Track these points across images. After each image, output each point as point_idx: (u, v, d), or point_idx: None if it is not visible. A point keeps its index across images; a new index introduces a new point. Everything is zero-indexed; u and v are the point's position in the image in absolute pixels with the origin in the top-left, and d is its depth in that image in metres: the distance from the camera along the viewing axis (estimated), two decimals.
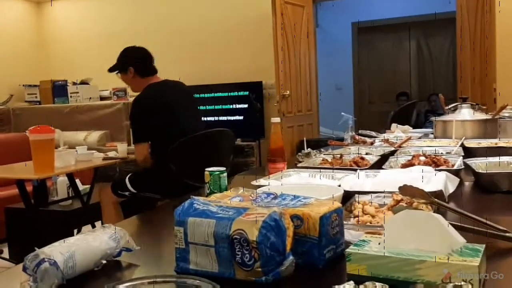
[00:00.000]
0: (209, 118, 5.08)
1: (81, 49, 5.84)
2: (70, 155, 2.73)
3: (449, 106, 2.51)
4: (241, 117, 5.01)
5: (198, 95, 5.10)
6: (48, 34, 6.06)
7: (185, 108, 2.88)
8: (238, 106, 5.03)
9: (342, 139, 2.53)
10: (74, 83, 5.36)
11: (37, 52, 5.98)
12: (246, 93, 4.97)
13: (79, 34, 5.88)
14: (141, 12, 5.55)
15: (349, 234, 0.92)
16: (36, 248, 0.81)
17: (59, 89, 5.34)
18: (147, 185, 2.83)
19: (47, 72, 5.82)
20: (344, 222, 0.95)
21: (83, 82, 5.33)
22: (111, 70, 2.92)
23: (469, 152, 1.86)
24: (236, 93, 5.03)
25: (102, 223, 2.69)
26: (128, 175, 2.85)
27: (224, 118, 5.06)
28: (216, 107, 5.12)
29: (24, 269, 0.81)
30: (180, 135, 2.76)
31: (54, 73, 5.73)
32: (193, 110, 3.02)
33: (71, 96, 5.23)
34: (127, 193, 2.82)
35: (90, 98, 5.21)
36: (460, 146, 1.94)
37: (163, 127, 2.75)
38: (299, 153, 2.01)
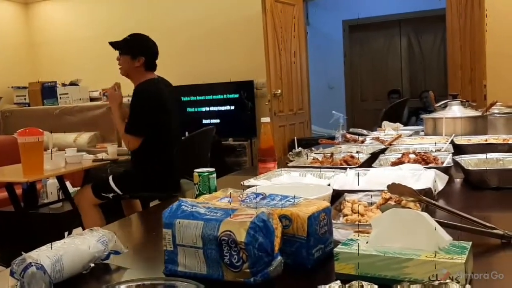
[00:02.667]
0: (200, 114, 5.08)
1: (70, 50, 5.81)
2: (60, 157, 2.72)
3: (439, 103, 2.53)
4: (232, 116, 5.00)
5: (189, 96, 5.13)
6: (36, 35, 6.02)
7: (175, 110, 2.91)
8: (229, 105, 5.03)
9: (333, 138, 2.54)
10: (64, 85, 5.32)
11: (25, 53, 5.94)
12: (238, 92, 4.97)
13: (68, 35, 5.85)
14: (131, 12, 5.53)
15: (338, 233, 0.92)
16: (23, 252, 0.81)
17: (48, 91, 5.31)
18: (132, 184, 2.81)
19: (36, 74, 5.78)
20: (333, 221, 0.96)
21: (72, 83, 5.30)
22: (118, 46, 2.83)
23: (459, 149, 1.86)
24: (227, 92, 5.03)
25: (83, 229, 2.64)
26: (111, 175, 2.80)
27: (216, 117, 5.06)
28: (208, 105, 5.11)
29: (12, 273, 0.80)
30: (170, 136, 2.78)
31: (43, 75, 5.70)
32: (177, 112, 3.03)
33: (60, 98, 5.20)
34: (111, 195, 2.75)
35: (80, 99, 5.18)
36: (450, 143, 1.95)
37: (158, 126, 2.74)
38: (290, 153, 2.01)
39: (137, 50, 2.80)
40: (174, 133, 2.88)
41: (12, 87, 5.53)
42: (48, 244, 0.86)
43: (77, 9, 5.83)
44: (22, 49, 5.91)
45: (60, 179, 3.18)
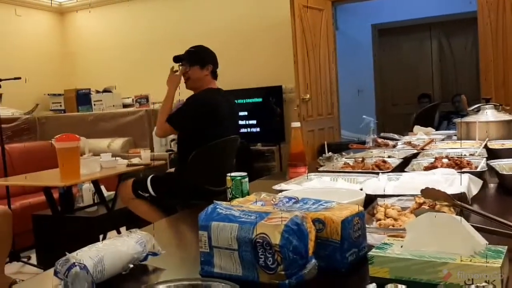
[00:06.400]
0: None
1: (103, 58, 5.95)
2: (95, 162, 2.78)
3: (472, 107, 2.48)
4: (261, 122, 5.02)
5: None
6: (71, 44, 6.20)
7: (229, 121, 2.94)
8: (258, 111, 5.05)
9: (363, 143, 2.53)
10: (98, 91, 5.46)
11: (61, 61, 6.12)
12: (266, 97, 4.98)
13: (101, 44, 6.00)
14: (162, 20, 5.63)
15: (372, 238, 0.93)
16: (67, 252, 0.84)
17: (82, 98, 5.45)
18: (166, 189, 2.85)
19: (71, 81, 5.95)
20: (367, 226, 0.96)
21: (106, 90, 5.42)
22: (187, 58, 2.91)
23: (493, 154, 1.83)
24: (256, 98, 5.05)
25: (134, 223, 2.72)
26: (151, 176, 2.86)
27: (244, 123, 5.09)
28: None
29: (56, 273, 0.83)
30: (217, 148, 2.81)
31: (77, 82, 5.86)
32: (235, 123, 3.10)
33: (94, 104, 5.33)
34: (146, 195, 2.84)
35: (113, 105, 5.30)
36: (483, 147, 1.92)
37: (204, 132, 2.78)
38: (320, 157, 2.01)
39: (205, 59, 2.91)
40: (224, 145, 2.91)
41: (48, 94, 5.70)
42: (90, 245, 0.89)
43: (110, 18, 5.97)
44: (58, 57, 6.10)
45: (96, 183, 3.26)
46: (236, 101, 5.03)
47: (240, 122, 5.11)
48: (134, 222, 2.84)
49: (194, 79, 2.89)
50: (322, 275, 0.81)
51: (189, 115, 2.79)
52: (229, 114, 2.92)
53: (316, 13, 4.87)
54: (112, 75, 5.75)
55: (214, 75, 2.95)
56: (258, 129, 5.02)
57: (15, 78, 3.57)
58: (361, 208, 0.91)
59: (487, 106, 2.40)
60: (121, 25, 5.90)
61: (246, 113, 5.08)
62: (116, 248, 0.90)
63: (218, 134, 2.82)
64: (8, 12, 5.56)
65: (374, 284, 0.66)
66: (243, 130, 5.03)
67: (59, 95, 5.66)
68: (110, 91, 5.41)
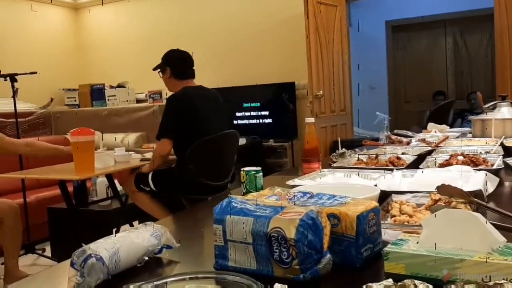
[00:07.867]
0: (241, 120, 5.12)
1: (118, 53, 5.99)
2: (110, 157, 2.80)
3: (488, 105, 2.46)
4: (273, 118, 5.02)
5: (230, 97, 5.16)
6: (86, 39, 6.24)
7: (214, 115, 2.95)
8: (270, 107, 5.04)
9: (377, 140, 2.51)
10: (112, 87, 5.49)
11: (75, 57, 6.17)
12: (279, 94, 4.97)
13: (115, 39, 6.03)
14: (176, 15, 5.65)
15: (387, 234, 0.92)
16: (83, 244, 0.85)
17: (97, 93, 5.48)
18: (166, 183, 2.91)
19: (85, 76, 6.00)
20: (381, 222, 0.95)
21: (120, 86, 5.46)
22: (154, 68, 3.09)
23: (509, 151, 1.81)
24: (268, 94, 5.05)
25: (147, 217, 2.79)
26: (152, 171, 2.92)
27: (256, 119, 5.09)
28: (249, 107, 5.14)
29: (72, 264, 0.84)
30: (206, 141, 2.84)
31: (92, 77, 5.91)
32: (222, 118, 3.08)
33: (108, 99, 5.36)
34: (147, 189, 2.91)
35: (127, 101, 5.33)
36: (499, 145, 1.90)
37: (188, 128, 2.82)
38: (334, 153, 2.01)
39: (163, 63, 3.02)
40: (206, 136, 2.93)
41: (63, 89, 5.76)
42: (105, 237, 0.90)
43: (124, 14, 6.00)
44: (72, 52, 6.15)
45: (109, 177, 3.28)
46: (250, 97, 5.13)
47: (253, 114, 5.11)
48: (147, 216, 2.87)
49: (165, 84, 3.07)
50: (337, 270, 0.81)
51: (171, 117, 2.83)
52: (212, 108, 2.95)
53: (330, 9, 4.84)
54: (126, 71, 5.79)
55: (178, 75, 2.98)
56: (270, 125, 5.01)
57: (31, 73, 3.60)
58: (376, 204, 0.91)
59: (503, 103, 2.38)
60: (135, 20, 5.92)
61: (259, 109, 5.07)
62: (131, 240, 0.91)
63: (201, 128, 2.84)
64: (24, 8, 5.61)
65: (390, 280, 0.66)
66: (255, 121, 5.03)
67: (74, 90, 5.71)
68: (123, 86, 5.44)
